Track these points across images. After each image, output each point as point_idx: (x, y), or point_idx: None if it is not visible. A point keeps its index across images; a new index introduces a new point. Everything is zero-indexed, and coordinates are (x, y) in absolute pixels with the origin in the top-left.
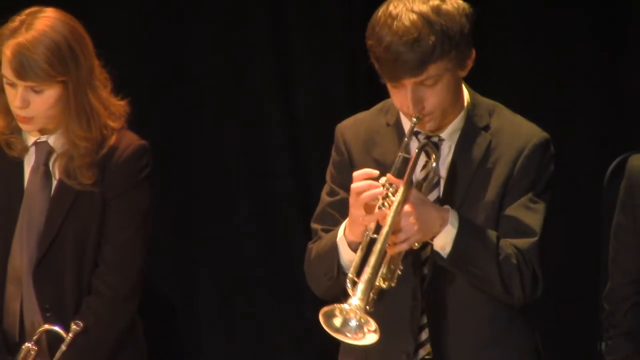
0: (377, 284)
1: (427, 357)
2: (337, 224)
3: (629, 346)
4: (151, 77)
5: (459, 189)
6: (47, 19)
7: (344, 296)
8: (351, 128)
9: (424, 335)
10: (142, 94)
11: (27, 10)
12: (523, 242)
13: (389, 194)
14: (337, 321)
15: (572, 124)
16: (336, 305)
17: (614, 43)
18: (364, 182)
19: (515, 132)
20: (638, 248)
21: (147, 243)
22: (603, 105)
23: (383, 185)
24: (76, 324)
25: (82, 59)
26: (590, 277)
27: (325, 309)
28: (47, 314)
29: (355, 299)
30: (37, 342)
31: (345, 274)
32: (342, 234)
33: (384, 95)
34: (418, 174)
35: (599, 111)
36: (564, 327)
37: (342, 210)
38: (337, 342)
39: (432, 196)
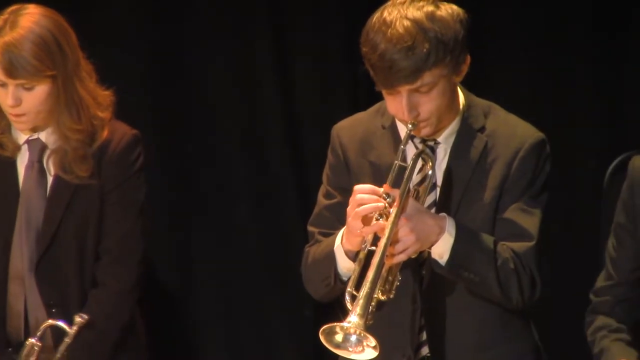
0: (376, 296)
1: (426, 357)
2: (334, 227)
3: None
4: (151, 76)
5: (456, 192)
6: (30, 15)
7: (340, 310)
8: (347, 130)
9: (423, 336)
10: (142, 93)
11: (9, 9)
12: (520, 246)
13: (386, 205)
14: (338, 337)
15: (572, 124)
16: (336, 324)
17: (614, 43)
18: (366, 195)
19: (511, 133)
20: (634, 249)
21: (145, 233)
22: (603, 105)
23: (380, 196)
24: (80, 317)
25: (68, 52)
26: (590, 277)
27: (325, 327)
28: (52, 310)
29: (355, 316)
30: (41, 338)
31: (343, 282)
32: (340, 243)
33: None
34: (414, 179)
35: (598, 111)
36: (563, 327)
37: (338, 213)
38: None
39: (429, 200)
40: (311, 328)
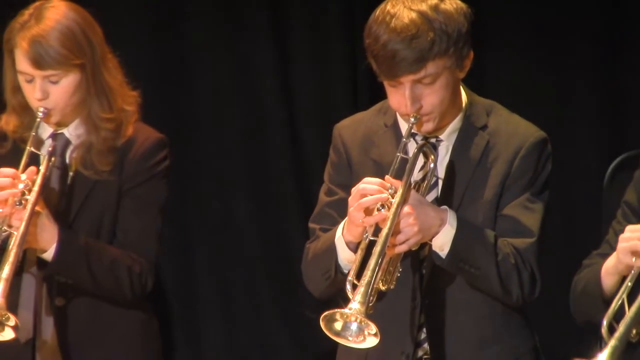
0: (377, 286)
1: (425, 356)
2: (335, 223)
3: None
4: (151, 76)
5: (457, 189)
6: (56, 7)
7: (341, 298)
8: (349, 128)
9: (422, 334)
10: (142, 93)
11: (34, 4)
12: (521, 242)
13: (389, 196)
14: (338, 325)
15: (572, 124)
16: (337, 310)
17: (614, 43)
18: (370, 185)
19: (513, 131)
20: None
21: (160, 236)
22: (603, 105)
23: (386, 189)
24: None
25: (95, 42)
26: None
27: (326, 313)
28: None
29: (356, 303)
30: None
31: (343, 274)
32: (341, 234)
33: (384, 95)
34: (416, 175)
35: (598, 111)
36: (564, 327)
37: (340, 210)
38: (336, 342)
39: (431, 197)
40: (311, 328)
